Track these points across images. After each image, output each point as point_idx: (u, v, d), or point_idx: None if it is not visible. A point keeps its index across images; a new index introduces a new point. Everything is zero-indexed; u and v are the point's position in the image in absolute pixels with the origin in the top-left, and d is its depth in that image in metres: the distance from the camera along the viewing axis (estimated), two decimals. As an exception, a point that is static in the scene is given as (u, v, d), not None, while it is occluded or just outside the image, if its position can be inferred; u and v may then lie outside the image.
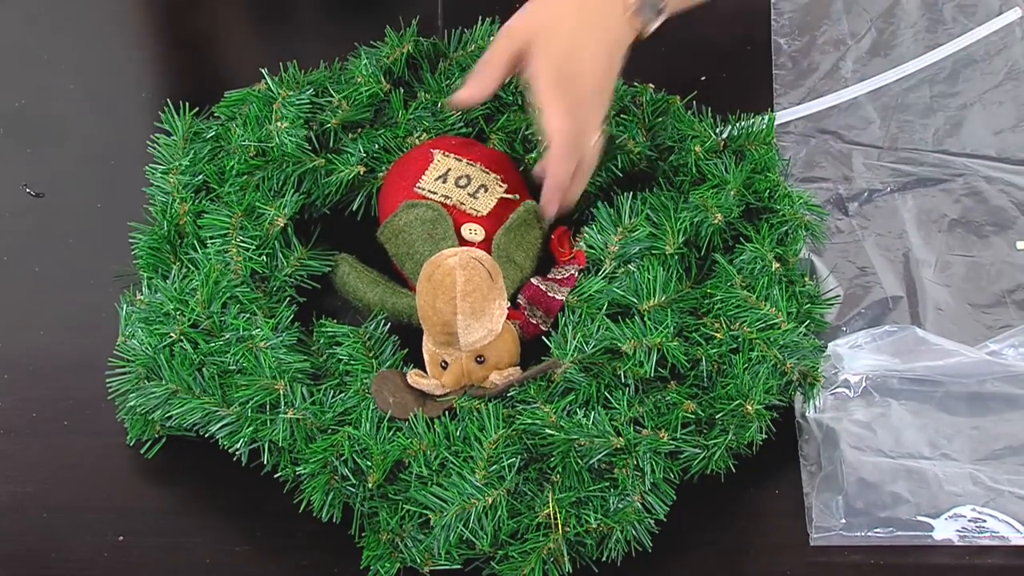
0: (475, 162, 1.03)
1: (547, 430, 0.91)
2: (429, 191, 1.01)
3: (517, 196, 1.01)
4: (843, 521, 0.93)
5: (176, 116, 1.08)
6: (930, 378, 0.99)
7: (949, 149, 1.17)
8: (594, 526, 0.89)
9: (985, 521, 0.93)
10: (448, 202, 1.00)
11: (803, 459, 0.97)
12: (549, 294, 0.99)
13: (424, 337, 0.96)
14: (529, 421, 0.91)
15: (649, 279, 0.98)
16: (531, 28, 1.01)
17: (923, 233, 1.11)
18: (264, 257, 1.01)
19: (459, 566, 0.90)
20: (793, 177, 1.15)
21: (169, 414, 0.95)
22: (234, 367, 0.96)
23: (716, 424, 0.93)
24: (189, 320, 0.97)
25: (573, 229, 1.04)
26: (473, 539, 0.89)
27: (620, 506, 0.90)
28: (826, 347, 0.99)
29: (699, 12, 1.10)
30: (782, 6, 1.29)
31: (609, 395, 0.93)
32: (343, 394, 0.95)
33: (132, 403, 0.96)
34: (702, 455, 0.92)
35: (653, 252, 1.00)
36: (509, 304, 0.96)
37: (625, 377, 0.94)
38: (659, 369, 0.95)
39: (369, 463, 0.91)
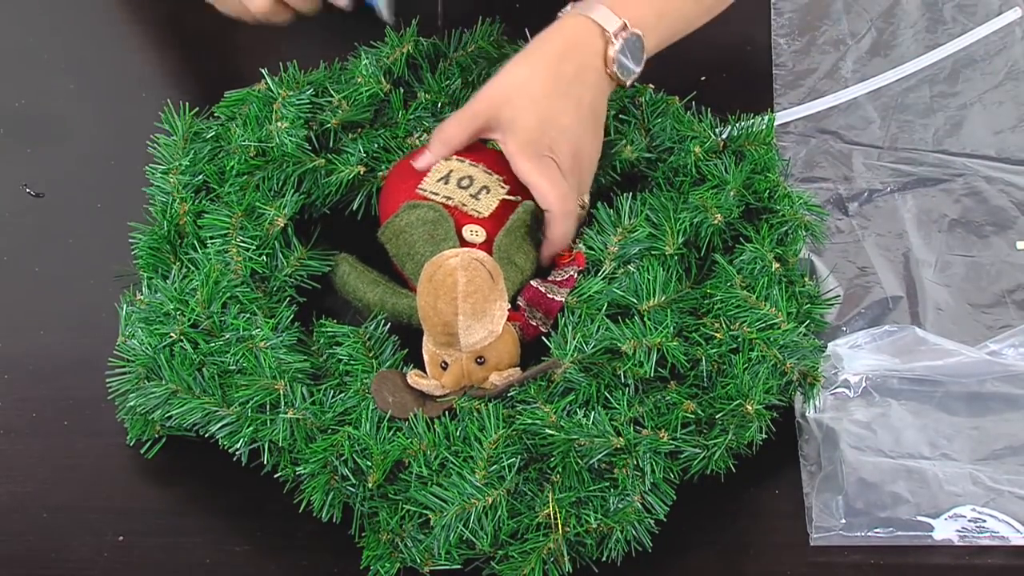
0: (477, 163, 1.03)
1: (547, 430, 0.91)
2: (431, 192, 1.01)
3: (519, 197, 1.01)
4: (843, 521, 0.93)
5: (176, 116, 1.08)
6: (930, 378, 0.99)
7: (949, 149, 1.17)
8: (594, 526, 0.89)
9: (985, 521, 0.93)
10: (450, 203, 1.00)
11: (803, 459, 0.97)
12: (548, 296, 0.99)
13: (424, 337, 0.96)
14: (529, 421, 0.91)
15: (649, 279, 0.98)
16: (499, 99, 1.00)
17: (923, 233, 1.11)
18: (264, 257, 1.01)
19: (459, 566, 0.90)
20: (793, 177, 1.15)
21: (169, 414, 0.95)
22: (234, 367, 0.96)
23: (716, 424, 0.93)
24: (189, 320, 0.97)
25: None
26: (473, 539, 0.89)
27: (620, 506, 0.90)
28: (826, 347, 0.99)
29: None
30: (782, 6, 1.29)
31: (609, 395, 0.93)
32: (343, 394, 0.95)
33: (132, 403, 0.96)
34: (702, 455, 0.92)
35: (653, 252, 1.00)
36: (509, 306, 0.96)
37: (625, 377, 0.94)
38: (659, 369, 0.95)
39: (369, 463, 0.91)
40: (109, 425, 0.99)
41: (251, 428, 0.93)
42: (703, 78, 1.14)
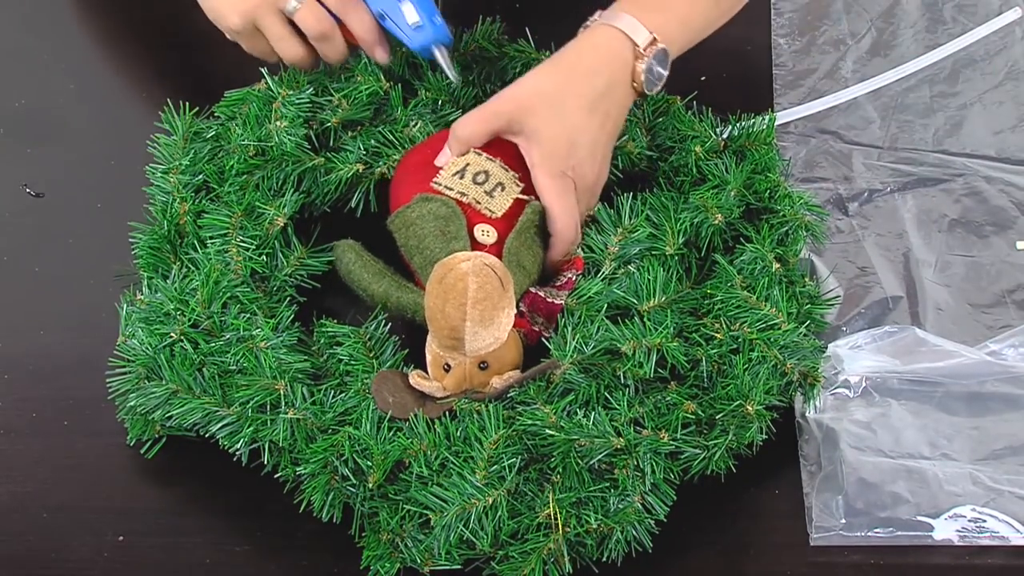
0: (495, 157, 1.02)
1: (547, 430, 0.91)
2: (446, 187, 1.00)
3: (531, 197, 1.01)
4: (843, 521, 0.93)
5: (176, 116, 1.08)
6: (930, 378, 0.99)
7: (949, 149, 1.17)
8: (594, 526, 0.89)
9: (985, 521, 0.93)
10: (464, 199, 1.00)
11: (803, 459, 0.97)
12: (548, 300, 0.98)
13: (428, 338, 0.96)
14: (529, 422, 0.91)
15: (649, 280, 0.97)
16: (525, 104, 1.00)
17: (923, 233, 1.11)
18: (264, 257, 1.01)
19: (459, 566, 0.90)
20: (793, 177, 1.15)
21: (169, 414, 0.95)
22: (234, 367, 0.96)
23: (716, 424, 0.93)
24: (189, 320, 0.97)
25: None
26: (473, 539, 0.89)
27: (620, 506, 0.90)
28: (826, 347, 0.99)
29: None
30: (782, 6, 1.29)
31: (609, 396, 0.93)
32: (343, 394, 0.95)
33: (132, 403, 0.96)
34: (702, 455, 0.92)
35: (653, 253, 1.00)
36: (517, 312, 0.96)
37: (625, 378, 0.94)
38: (659, 370, 0.95)
39: (369, 463, 0.91)
40: (109, 425, 0.99)
41: (251, 428, 0.93)
42: (703, 78, 1.14)
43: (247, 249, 1.01)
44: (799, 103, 1.20)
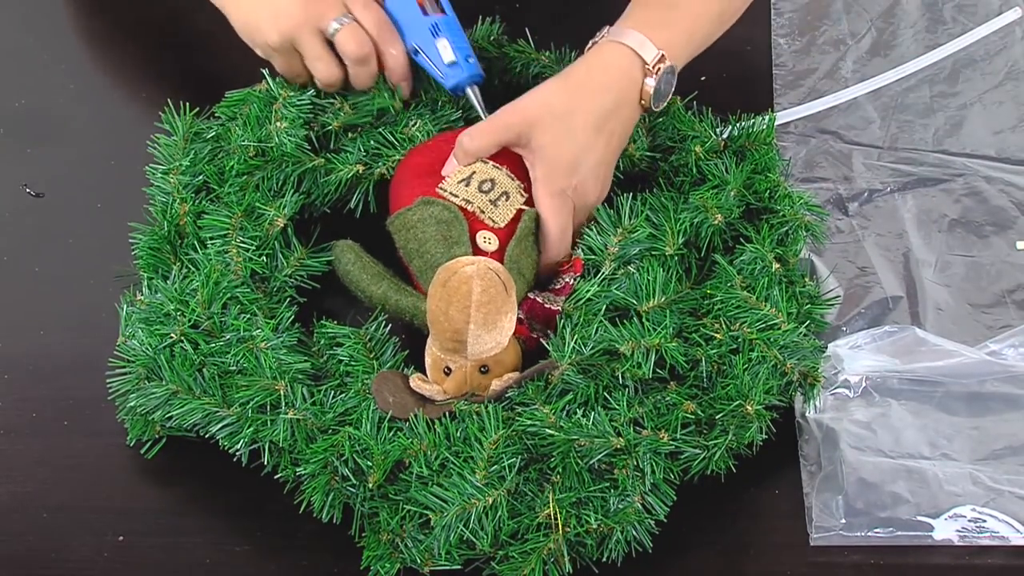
0: (501, 166, 1.02)
1: (547, 430, 0.91)
2: (451, 194, 1.00)
3: (534, 208, 1.01)
4: (843, 521, 0.93)
5: (176, 116, 1.08)
6: (930, 378, 0.99)
7: (949, 149, 1.17)
8: (594, 526, 0.89)
9: (985, 521, 0.93)
10: (468, 207, 1.00)
11: (803, 459, 0.97)
12: (546, 305, 0.98)
13: (429, 341, 0.96)
14: (529, 422, 0.91)
15: (649, 280, 0.97)
16: (533, 118, 1.00)
17: (923, 233, 1.11)
18: (264, 257, 1.01)
19: (459, 566, 0.90)
20: (793, 177, 1.15)
21: (169, 414, 0.95)
22: (234, 368, 0.96)
23: (716, 424, 0.93)
24: (189, 321, 0.97)
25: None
26: (473, 539, 0.89)
27: (620, 506, 0.90)
28: (826, 347, 0.99)
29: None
30: (782, 6, 1.29)
31: (609, 396, 0.93)
32: (344, 394, 0.95)
33: (132, 403, 0.96)
34: (702, 455, 0.92)
35: (653, 253, 1.00)
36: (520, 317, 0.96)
37: (624, 378, 0.94)
38: (659, 370, 0.95)
39: (369, 463, 0.91)
40: (109, 425, 0.99)
41: (251, 428, 0.93)
42: (703, 78, 1.14)
43: (247, 250, 1.01)
44: (799, 103, 1.20)
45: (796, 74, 1.23)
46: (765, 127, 1.08)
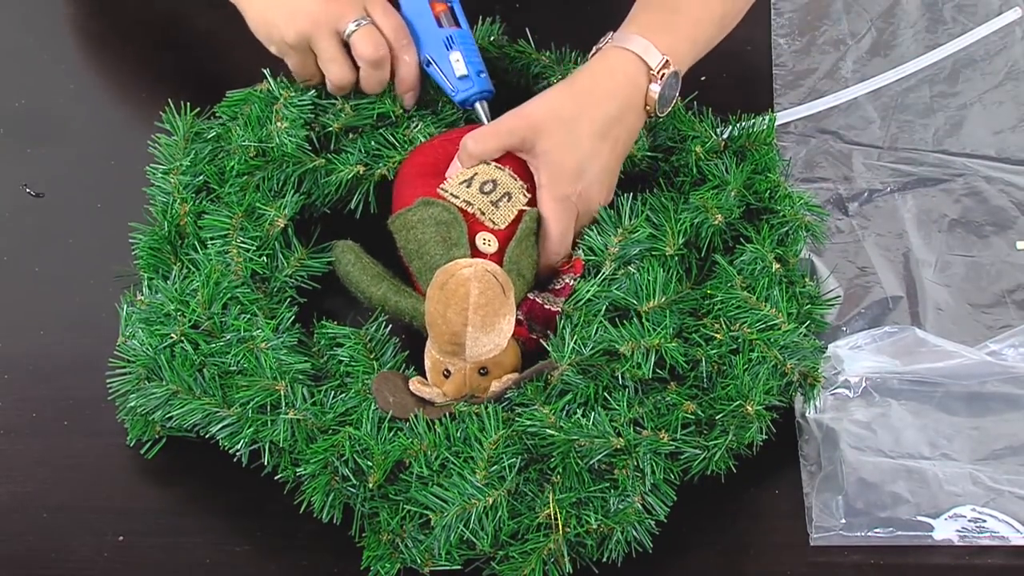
0: (504, 166, 1.02)
1: (547, 431, 0.91)
2: (452, 195, 1.00)
3: (536, 209, 1.01)
4: (843, 521, 0.93)
5: (177, 116, 1.08)
6: (930, 379, 0.99)
7: (949, 149, 1.17)
8: (594, 527, 0.89)
9: (985, 521, 0.93)
10: (469, 209, 1.00)
11: (803, 459, 0.97)
12: (546, 306, 0.98)
13: (428, 344, 0.96)
14: (529, 422, 0.91)
15: (649, 280, 0.97)
16: (538, 124, 1.00)
17: (923, 233, 1.11)
18: (264, 258, 1.01)
19: (459, 566, 0.90)
20: (793, 177, 1.15)
21: (169, 415, 0.95)
22: (235, 368, 0.96)
23: (716, 425, 0.93)
24: (190, 321, 0.97)
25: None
26: (473, 539, 0.89)
27: (620, 507, 0.90)
28: (826, 348, 0.99)
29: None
30: (782, 6, 1.29)
31: (609, 396, 0.93)
32: (344, 395, 0.95)
33: (132, 403, 0.96)
34: (702, 456, 0.92)
35: (653, 253, 1.00)
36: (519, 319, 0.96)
37: (624, 378, 0.94)
38: (659, 370, 0.95)
39: (370, 463, 0.91)
40: (109, 425, 0.99)
41: (252, 429, 0.93)
42: (703, 78, 1.14)
43: (247, 250, 1.01)
44: (799, 103, 1.20)
45: (796, 74, 1.23)
46: (765, 127, 1.08)
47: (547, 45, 1.15)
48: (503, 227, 1.00)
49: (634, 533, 0.90)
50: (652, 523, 0.91)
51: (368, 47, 1.03)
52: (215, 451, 0.96)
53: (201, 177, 1.05)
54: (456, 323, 0.92)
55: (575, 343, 0.94)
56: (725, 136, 1.09)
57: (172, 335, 0.97)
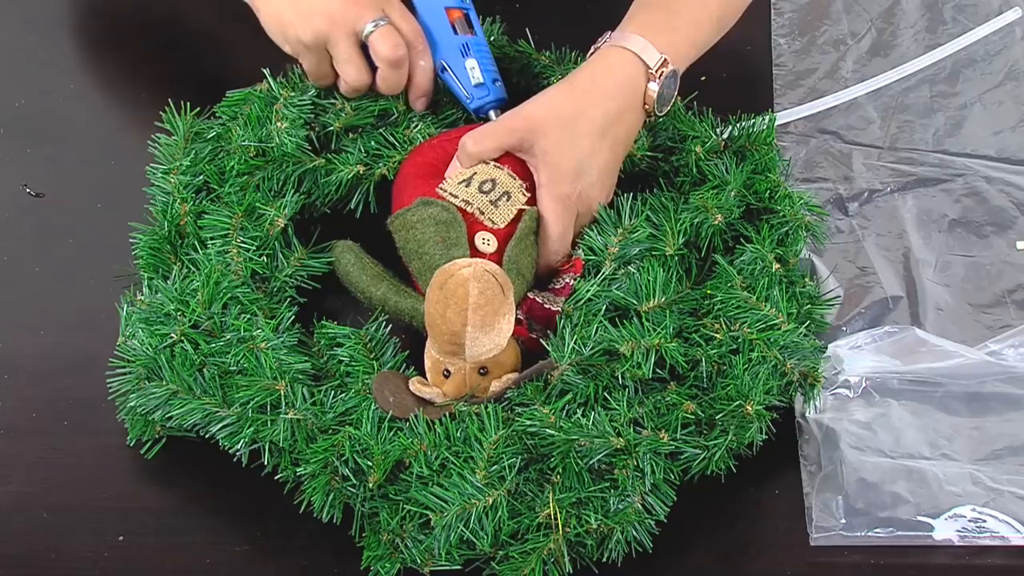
0: (503, 165, 1.02)
1: (547, 430, 0.91)
2: (451, 194, 1.00)
3: (535, 208, 1.01)
4: (843, 521, 0.93)
5: (177, 116, 1.08)
6: (930, 378, 0.99)
7: (949, 149, 1.17)
8: (594, 527, 0.89)
9: (985, 521, 0.93)
10: (468, 208, 1.00)
11: (803, 459, 0.97)
12: (546, 306, 0.98)
13: (428, 344, 0.96)
14: (529, 422, 0.91)
15: (649, 280, 0.97)
16: (537, 123, 1.00)
17: (923, 233, 1.11)
18: (264, 258, 1.01)
19: (459, 566, 0.90)
20: (793, 177, 1.15)
21: (169, 415, 0.95)
22: (235, 368, 0.96)
23: (716, 425, 0.93)
24: (190, 321, 0.97)
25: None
26: (473, 539, 0.89)
27: (620, 507, 0.90)
28: (826, 347, 0.99)
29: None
30: (782, 6, 1.29)
31: (608, 396, 0.93)
32: (344, 395, 0.95)
33: (132, 403, 0.96)
34: (702, 456, 0.92)
35: (653, 253, 1.00)
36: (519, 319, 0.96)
37: (624, 378, 0.94)
38: (659, 370, 0.95)
39: (370, 463, 0.91)
40: (109, 425, 0.99)
41: (252, 429, 0.93)
42: (703, 78, 1.14)
43: (248, 250, 1.01)
44: (799, 103, 1.20)
45: (796, 74, 1.23)
46: (765, 127, 1.08)
47: (547, 45, 1.16)
48: (502, 226, 1.00)
49: (634, 533, 0.90)
50: (652, 523, 0.91)
51: (387, 47, 1.03)
52: (215, 451, 0.96)
53: (201, 177, 1.05)
54: (455, 323, 0.92)
55: (575, 343, 0.94)
56: (725, 136, 1.09)
57: (172, 335, 0.97)
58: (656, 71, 1.01)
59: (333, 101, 1.08)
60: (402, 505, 0.91)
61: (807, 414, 0.98)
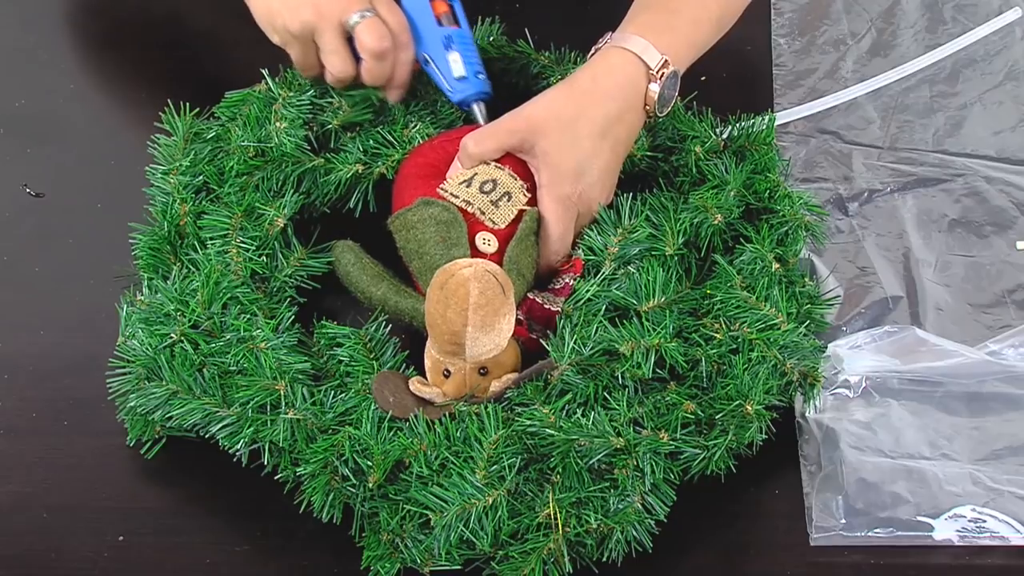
0: (504, 166, 1.02)
1: (547, 430, 0.91)
2: (451, 194, 1.00)
3: (536, 208, 1.01)
4: (843, 521, 0.93)
5: (176, 116, 1.08)
6: (930, 378, 0.99)
7: (949, 149, 1.17)
8: (594, 526, 0.89)
9: (985, 521, 0.93)
10: (468, 208, 1.00)
11: (803, 459, 0.97)
12: (546, 306, 0.98)
13: (428, 344, 0.96)
14: (529, 422, 0.91)
15: (649, 280, 0.97)
16: (538, 124, 1.00)
17: (923, 233, 1.11)
18: (264, 258, 1.01)
19: (459, 566, 0.90)
20: (793, 177, 1.15)
21: (169, 415, 0.95)
22: (235, 368, 0.96)
23: (716, 424, 0.93)
24: (190, 321, 0.97)
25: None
26: (473, 539, 0.89)
27: (620, 506, 0.90)
28: (826, 347, 0.99)
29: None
30: (782, 6, 1.29)
31: (609, 396, 0.93)
32: (344, 394, 0.95)
33: (132, 403, 0.96)
34: (702, 455, 0.92)
35: (653, 253, 1.00)
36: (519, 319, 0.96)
37: (623, 378, 0.94)
38: (658, 370, 0.95)
39: (370, 463, 0.91)
40: (109, 425, 0.99)
41: (251, 429, 0.93)
42: (703, 78, 1.14)
43: (247, 250, 1.01)
44: (799, 103, 1.20)
45: (796, 74, 1.23)
46: (765, 127, 1.08)
47: (546, 45, 1.16)
48: (503, 227, 1.00)
49: (634, 533, 0.90)
50: (652, 523, 0.91)
51: (372, 38, 1.03)
52: (215, 451, 0.96)
53: (201, 177, 1.05)
54: (456, 323, 0.92)
55: (575, 343, 0.94)
56: (725, 136, 1.09)
57: (172, 335, 0.97)
58: (657, 72, 1.01)
59: (331, 100, 1.08)
60: (402, 505, 0.91)
61: (807, 414, 0.98)
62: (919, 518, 0.93)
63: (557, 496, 0.90)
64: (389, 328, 0.99)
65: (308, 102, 1.07)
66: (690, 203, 1.03)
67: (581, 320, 0.96)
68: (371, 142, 1.07)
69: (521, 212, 1.00)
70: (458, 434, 0.92)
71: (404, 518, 0.90)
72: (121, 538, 0.95)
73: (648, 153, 1.08)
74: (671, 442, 0.92)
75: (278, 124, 1.05)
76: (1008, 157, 1.16)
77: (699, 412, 0.93)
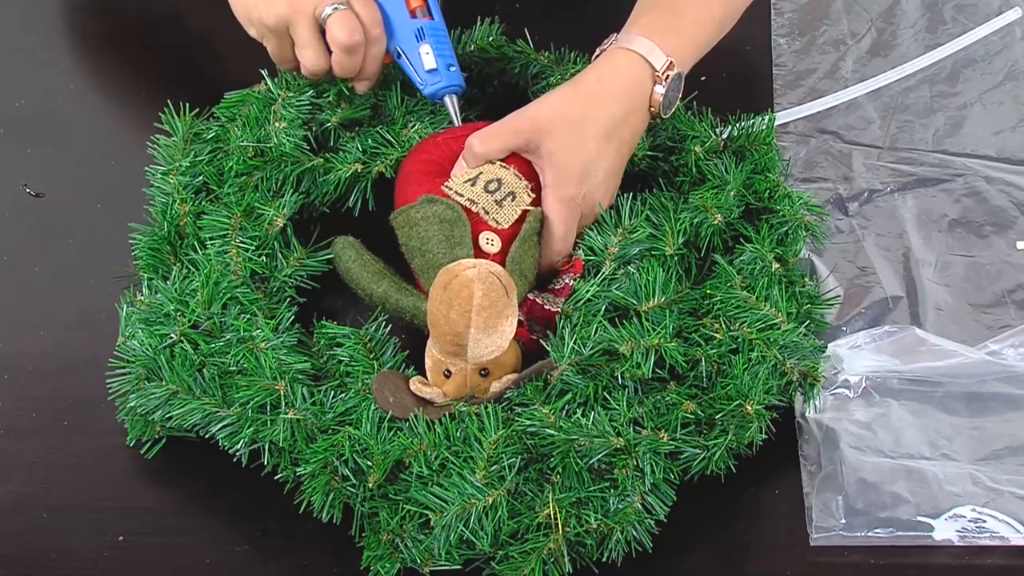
0: (508, 165, 1.02)
1: (547, 430, 0.91)
2: (456, 192, 1.00)
3: (540, 209, 1.01)
4: (843, 521, 0.93)
5: (176, 117, 1.08)
6: (930, 378, 0.99)
7: (949, 149, 1.17)
8: (594, 526, 0.89)
9: (985, 521, 0.93)
10: (472, 207, 0.99)
11: (803, 459, 0.97)
12: (546, 307, 0.98)
13: (429, 343, 0.96)
14: (529, 422, 0.91)
15: (649, 280, 0.97)
16: (543, 124, 1.00)
17: (923, 233, 1.11)
18: (264, 258, 1.01)
19: (459, 566, 0.90)
20: (793, 177, 1.15)
21: (169, 415, 0.95)
22: (234, 368, 0.96)
23: (716, 424, 0.93)
24: (189, 321, 0.97)
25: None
26: (473, 539, 0.89)
27: (620, 506, 0.90)
28: (826, 347, 0.99)
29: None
30: (782, 6, 1.29)
31: (608, 396, 0.93)
32: (344, 394, 0.95)
33: (132, 404, 0.96)
34: (702, 455, 0.92)
35: (653, 253, 1.00)
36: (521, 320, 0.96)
37: (623, 378, 0.94)
38: (658, 370, 0.95)
39: (369, 463, 0.91)
40: (109, 425, 0.99)
41: (251, 429, 0.93)
42: (703, 78, 1.14)
43: (247, 250, 1.01)
44: (799, 103, 1.20)
45: (796, 74, 1.23)
46: (765, 127, 1.08)
47: (546, 45, 1.16)
48: (507, 227, 1.00)
49: (634, 533, 0.90)
50: (652, 523, 0.91)
51: (343, 32, 1.03)
52: (215, 451, 0.96)
53: (200, 178, 1.05)
54: (459, 324, 0.92)
55: (575, 343, 0.94)
56: (725, 136, 1.09)
57: (172, 335, 0.97)
58: (662, 74, 1.02)
59: (330, 100, 1.08)
60: (402, 505, 0.91)
61: (807, 414, 0.98)
62: (919, 518, 0.93)
63: (557, 496, 0.90)
64: (389, 328, 0.99)
65: (307, 102, 1.07)
66: (690, 203, 1.03)
67: (581, 320, 0.96)
68: (370, 142, 1.07)
69: (525, 212, 1.00)
70: (458, 434, 0.92)
71: (404, 518, 0.90)
72: (121, 538, 0.95)
73: (648, 153, 1.08)
74: (671, 442, 0.92)
75: (277, 124, 1.05)
76: (1008, 157, 1.16)
77: (699, 412, 0.93)
